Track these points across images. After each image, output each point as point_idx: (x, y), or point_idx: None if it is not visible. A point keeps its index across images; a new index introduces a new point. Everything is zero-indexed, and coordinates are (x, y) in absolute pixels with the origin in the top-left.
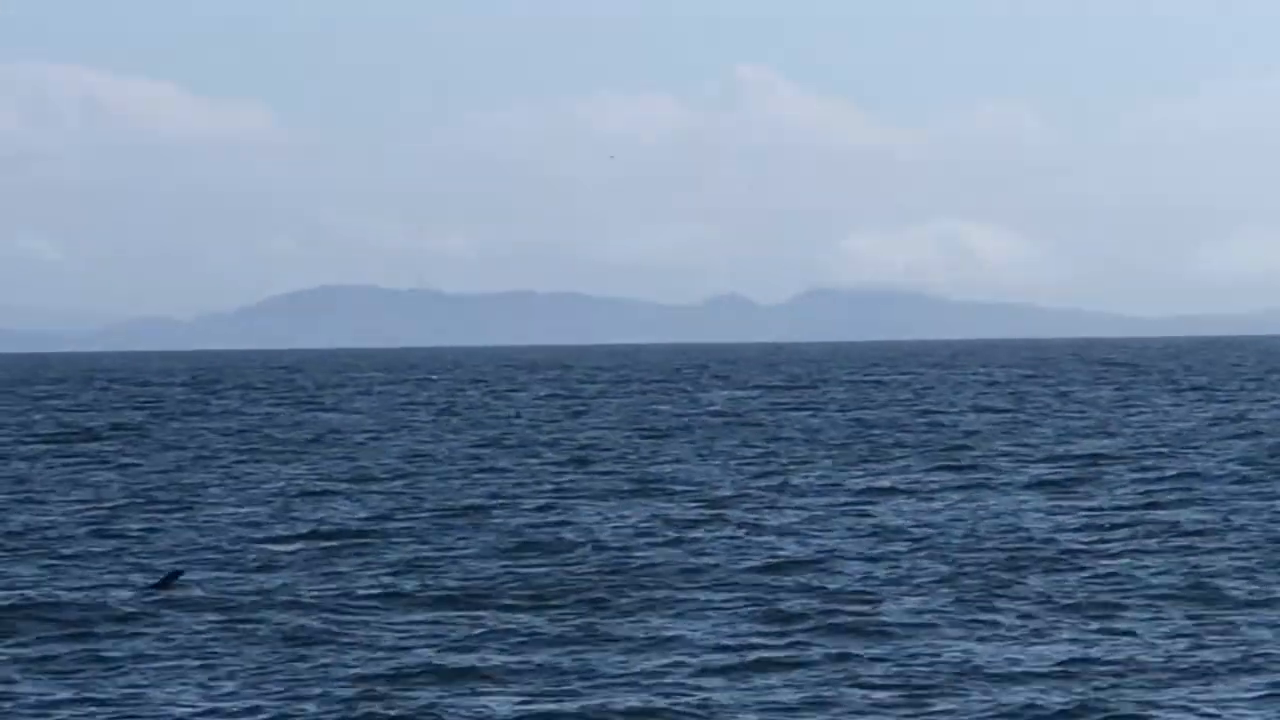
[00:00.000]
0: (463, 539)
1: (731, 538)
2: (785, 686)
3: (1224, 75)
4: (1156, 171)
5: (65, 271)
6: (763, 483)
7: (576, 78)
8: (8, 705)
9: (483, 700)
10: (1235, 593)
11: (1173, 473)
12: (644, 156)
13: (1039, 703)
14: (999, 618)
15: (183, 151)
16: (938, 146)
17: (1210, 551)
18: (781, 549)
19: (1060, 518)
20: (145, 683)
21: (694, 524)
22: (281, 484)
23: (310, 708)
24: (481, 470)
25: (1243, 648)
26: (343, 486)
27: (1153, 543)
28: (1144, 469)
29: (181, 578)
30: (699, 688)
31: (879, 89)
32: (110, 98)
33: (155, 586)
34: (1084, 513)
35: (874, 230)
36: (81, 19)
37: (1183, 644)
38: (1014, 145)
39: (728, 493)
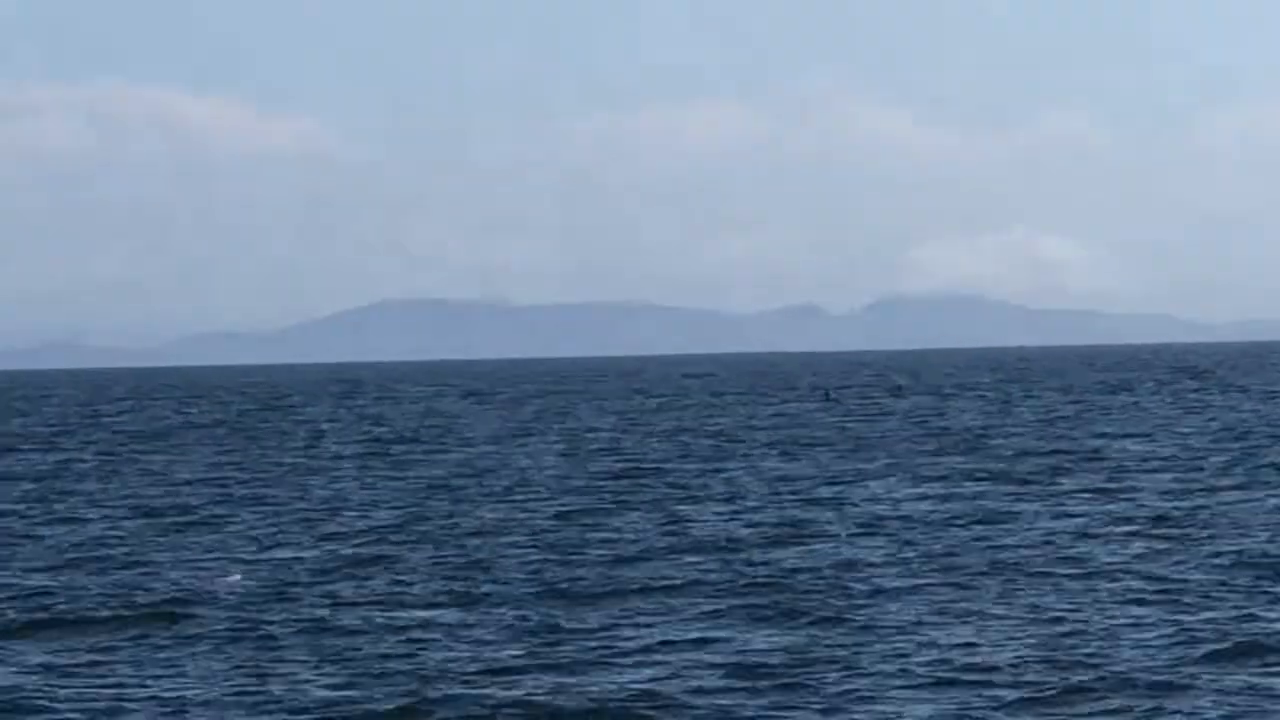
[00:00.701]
0: (488, 543)
1: (746, 544)
2: (776, 687)
3: None
4: (1229, 177)
5: (138, 286)
6: (794, 494)
7: (648, 88)
8: (35, 708)
9: (481, 693)
10: (1228, 594)
11: (1210, 478)
12: (716, 166)
13: (1010, 698)
14: (986, 619)
15: (254, 165)
16: (1011, 154)
17: (1216, 554)
18: (792, 555)
19: (1083, 520)
20: (166, 685)
21: (712, 532)
22: (327, 494)
23: (309, 705)
24: (525, 482)
25: (1218, 649)
26: (383, 496)
27: (1165, 545)
28: (1187, 472)
29: (233, 580)
30: (688, 685)
31: (951, 97)
32: (181, 114)
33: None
34: (1106, 515)
35: (946, 238)
36: (149, 37)
37: (1165, 643)
38: (1086, 152)
39: (754, 503)
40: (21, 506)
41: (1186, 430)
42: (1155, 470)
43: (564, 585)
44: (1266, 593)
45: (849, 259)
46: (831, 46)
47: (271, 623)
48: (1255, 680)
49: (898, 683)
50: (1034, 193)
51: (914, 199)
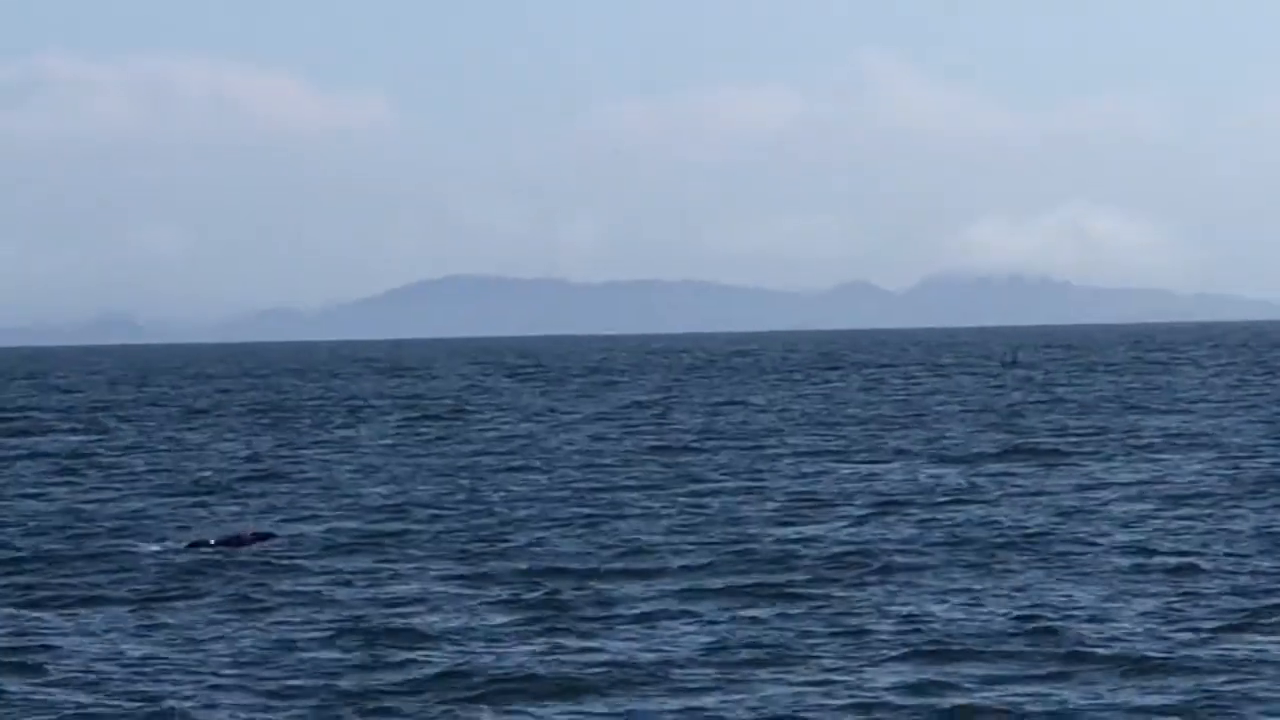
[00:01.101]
0: (502, 519)
1: (760, 520)
2: (764, 659)
3: None
4: None
5: (190, 263)
6: (820, 471)
7: (701, 67)
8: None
9: (475, 665)
10: (1235, 571)
11: (1242, 457)
12: (769, 145)
13: (999, 673)
14: (987, 594)
15: (307, 142)
16: (1064, 131)
17: (1234, 532)
18: (804, 532)
19: (1105, 496)
20: (162, 653)
21: (729, 507)
22: (355, 469)
23: (303, 674)
24: (551, 460)
25: (1214, 623)
26: (409, 472)
27: (1184, 522)
28: (1224, 452)
29: (257, 538)
30: (676, 657)
31: (1004, 75)
32: (234, 89)
33: (225, 543)
34: (1130, 492)
35: (1000, 216)
36: (205, 11)
37: (1164, 619)
38: (1140, 130)
39: (777, 480)
40: (48, 480)
41: (1235, 409)
42: (1189, 448)
43: (571, 561)
44: (1268, 572)
45: (901, 237)
46: (882, 24)
47: (274, 593)
48: (1253, 656)
49: (887, 655)
50: (1090, 170)
51: (967, 177)
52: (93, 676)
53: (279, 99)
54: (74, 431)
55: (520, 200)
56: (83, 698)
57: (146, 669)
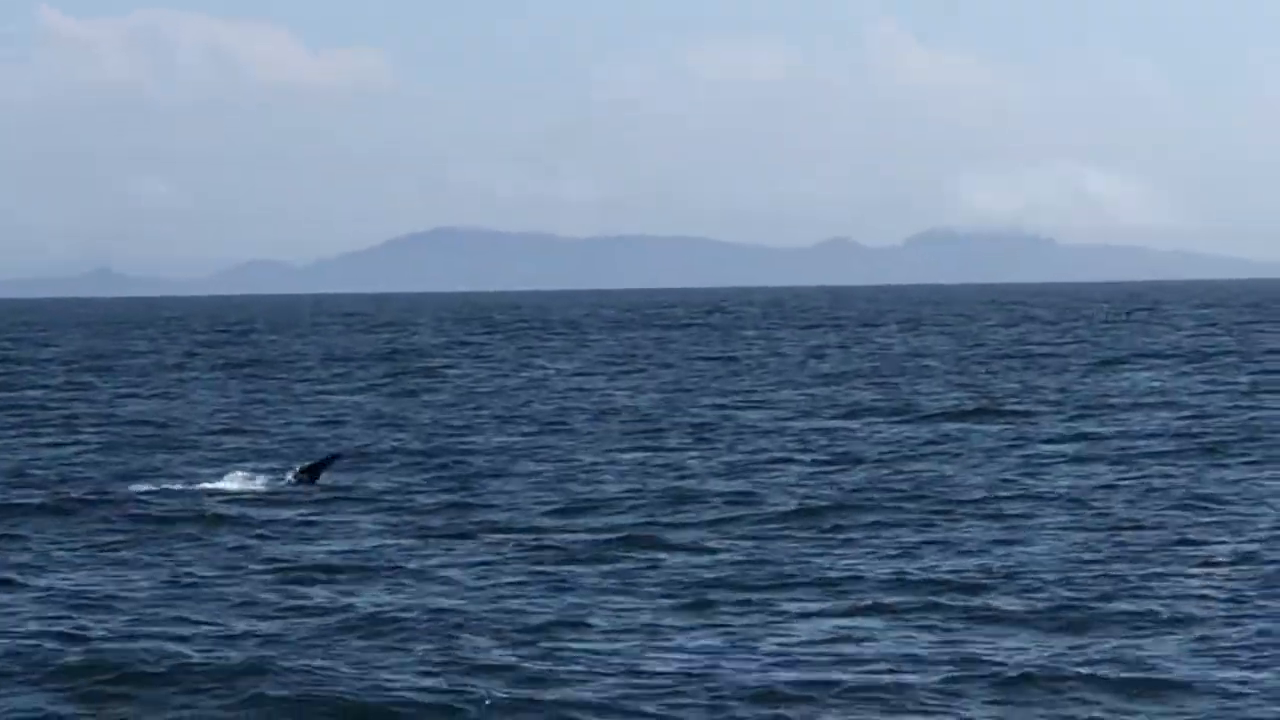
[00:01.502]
0: (449, 474)
1: (712, 474)
2: (692, 612)
3: None
4: (1270, 115)
5: (182, 217)
6: (779, 431)
7: (690, 24)
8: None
9: (391, 602)
10: (1164, 526)
11: (1198, 411)
12: (758, 104)
13: (908, 626)
14: (920, 548)
15: (300, 98)
16: (1052, 91)
17: (1165, 489)
18: (752, 486)
19: (1054, 454)
20: (91, 586)
21: (680, 461)
22: (315, 421)
23: (228, 611)
24: (513, 416)
25: (1139, 578)
26: (372, 424)
27: (1131, 480)
28: (1180, 408)
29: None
30: (608, 610)
31: (994, 32)
32: (229, 45)
33: (306, 471)
34: (1082, 450)
35: (987, 174)
36: None
37: (1089, 574)
38: (1128, 89)
39: (735, 435)
40: (10, 433)
41: (1208, 367)
42: (1152, 407)
43: (511, 515)
44: (1204, 526)
45: (890, 194)
46: None
47: (209, 544)
48: (1172, 612)
49: (806, 609)
50: (1078, 129)
51: (956, 134)
52: (14, 613)
53: (273, 55)
54: (47, 386)
55: (513, 157)
56: (2, 633)
57: (71, 611)
